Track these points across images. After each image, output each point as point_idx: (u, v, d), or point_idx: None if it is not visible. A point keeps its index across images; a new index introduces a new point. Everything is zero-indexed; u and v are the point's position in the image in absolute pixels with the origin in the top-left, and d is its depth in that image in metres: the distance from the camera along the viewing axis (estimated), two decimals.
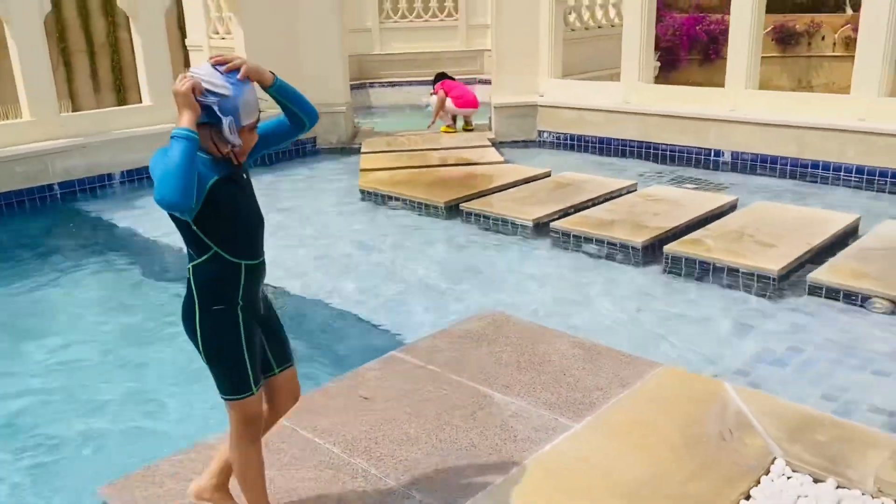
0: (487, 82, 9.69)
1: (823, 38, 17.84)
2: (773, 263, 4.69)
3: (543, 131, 9.06)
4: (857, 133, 6.77)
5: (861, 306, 4.27)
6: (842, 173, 6.86)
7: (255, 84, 2.21)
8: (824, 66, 17.48)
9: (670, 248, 5.10)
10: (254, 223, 2.33)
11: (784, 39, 18.02)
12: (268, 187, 7.46)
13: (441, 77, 9.68)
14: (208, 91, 2.11)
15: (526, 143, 9.04)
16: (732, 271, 4.75)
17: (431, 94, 9.69)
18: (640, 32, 8.38)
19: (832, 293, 4.41)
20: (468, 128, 9.55)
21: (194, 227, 2.18)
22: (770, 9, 8.46)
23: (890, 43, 6.80)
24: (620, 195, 6.48)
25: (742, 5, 7.51)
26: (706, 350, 3.94)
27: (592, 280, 4.97)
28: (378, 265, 5.34)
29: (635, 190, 6.67)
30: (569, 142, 8.85)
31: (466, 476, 2.78)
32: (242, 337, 2.28)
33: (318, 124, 2.61)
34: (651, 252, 5.23)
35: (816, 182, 6.97)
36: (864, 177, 6.73)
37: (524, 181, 7.00)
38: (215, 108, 2.11)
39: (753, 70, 7.72)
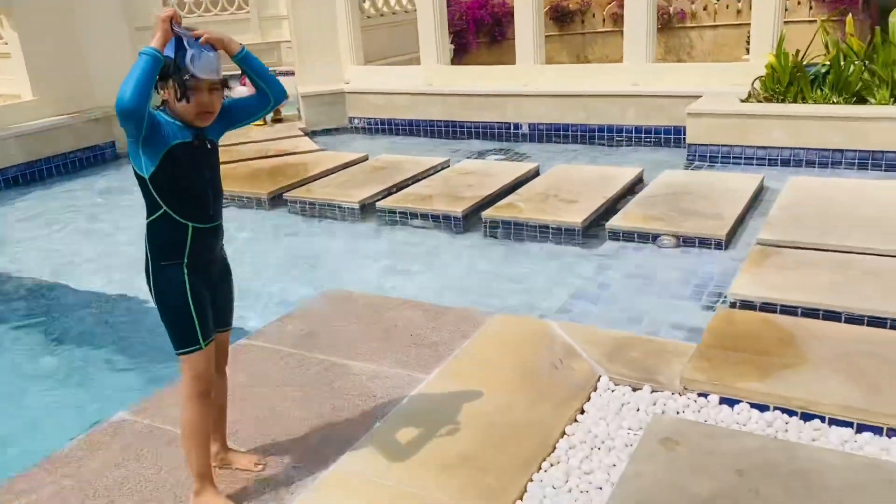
0: (291, 73, 9.71)
1: (594, 15, 19.52)
2: (576, 217, 5.25)
3: (354, 117, 9.25)
4: (632, 97, 7.63)
5: (652, 243, 4.93)
6: (624, 133, 7.71)
7: (223, 53, 2.41)
8: (598, 41, 19.13)
9: (488, 213, 5.52)
10: (207, 191, 2.46)
11: (560, 18, 19.49)
12: (71, 197, 7.03)
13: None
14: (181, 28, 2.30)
15: (338, 130, 9.19)
16: (543, 227, 5.26)
17: (241, 85, 9.52)
18: (434, 16, 8.81)
19: (628, 236, 5.05)
20: (277, 118, 9.52)
21: (149, 185, 2.34)
22: None
23: (651, 16, 7.72)
24: (436, 172, 6.85)
25: None
26: (531, 298, 4.37)
27: (423, 250, 5.28)
28: None
29: (448, 166, 7.07)
30: (379, 126, 9.11)
31: (334, 438, 2.95)
32: (189, 294, 2.42)
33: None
34: (471, 220, 5.63)
35: (604, 143, 7.78)
36: (643, 135, 7.62)
37: (343, 166, 7.17)
38: (184, 40, 2.30)
39: (539, 48, 8.42)
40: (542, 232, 5.25)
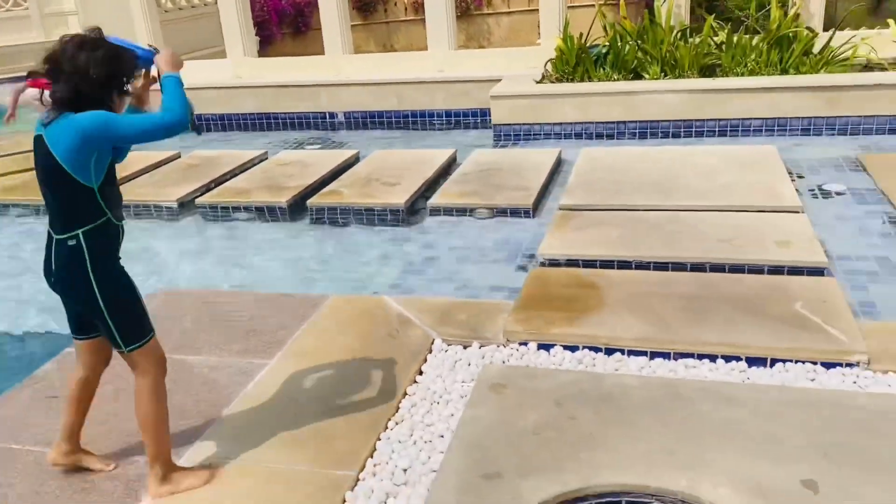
0: None
1: (396, 3, 19.93)
2: (399, 198, 5.52)
3: None
4: (440, 83, 8.03)
5: (470, 217, 5.31)
6: (435, 118, 8.10)
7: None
8: (401, 29, 19.56)
9: (313, 201, 5.65)
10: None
11: (364, 7, 19.69)
12: None
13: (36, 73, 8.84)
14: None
15: None
16: (369, 210, 5.48)
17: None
18: (237, 7, 8.68)
19: (448, 211, 5.40)
20: None
21: (97, 195, 2.42)
22: None
23: (450, 4, 8.14)
24: (254, 165, 6.84)
25: None
26: (364, 277, 4.59)
27: (251, 242, 5.31)
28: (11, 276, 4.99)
29: (266, 158, 7.07)
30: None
31: (184, 431, 3.00)
32: (133, 286, 2.57)
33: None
34: (296, 209, 5.72)
35: (418, 128, 8.12)
36: (452, 118, 8.05)
37: (154, 166, 6.95)
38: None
39: (347, 37, 8.59)
40: (368, 215, 5.47)
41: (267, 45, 16.22)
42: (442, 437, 2.89)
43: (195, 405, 3.17)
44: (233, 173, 6.56)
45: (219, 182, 6.34)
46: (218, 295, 4.28)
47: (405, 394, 3.18)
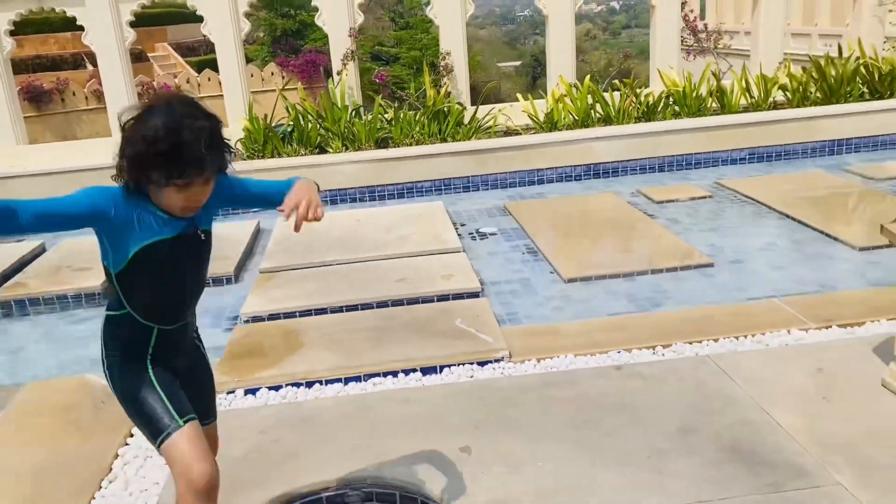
0: None
1: (74, 93, 18.99)
2: (93, 282, 5.50)
3: None
4: None
5: None
6: None
7: None
8: (83, 118, 18.68)
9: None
10: (184, 291, 2.14)
11: (36, 98, 18.49)
12: None
13: None
14: None
15: None
16: (61, 297, 5.37)
17: None
18: None
19: None
20: None
21: (115, 282, 2.06)
22: (15, 70, 9.00)
23: (131, 91, 8.24)
24: None
25: None
26: (65, 361, 4.53)
27: None
28: None
29: None
30: None
31: None
32: (154, 382, 2.12)
33: None
34: None
35: None
36: None
37: None
38: None
39: (20, 126, 8.22)
40: (62, 301, 5.35)
41: None
42: (157, 483, 3.09)
43: None
44: None
45: None
46: None
47: (116, 455, 3.31)
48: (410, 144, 7.92)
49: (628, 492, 2.74)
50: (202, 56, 23.36)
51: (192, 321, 2.26)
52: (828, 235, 5.61)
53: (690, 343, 3.96)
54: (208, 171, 1.91)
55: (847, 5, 11.93)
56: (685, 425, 3.13)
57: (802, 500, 2.63)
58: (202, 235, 2.11)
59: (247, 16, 9.12)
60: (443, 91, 8.41)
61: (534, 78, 31.82)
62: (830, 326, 4.05)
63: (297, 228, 2.11)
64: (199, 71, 20.43)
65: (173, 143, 1.83)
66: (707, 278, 5.03)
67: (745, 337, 3.99)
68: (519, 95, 8.70)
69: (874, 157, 7.87)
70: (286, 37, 23.43)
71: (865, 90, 8.43)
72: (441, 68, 8.81)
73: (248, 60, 17.56)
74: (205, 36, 9.18)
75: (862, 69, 8.44)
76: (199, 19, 9.01)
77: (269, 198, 2.27)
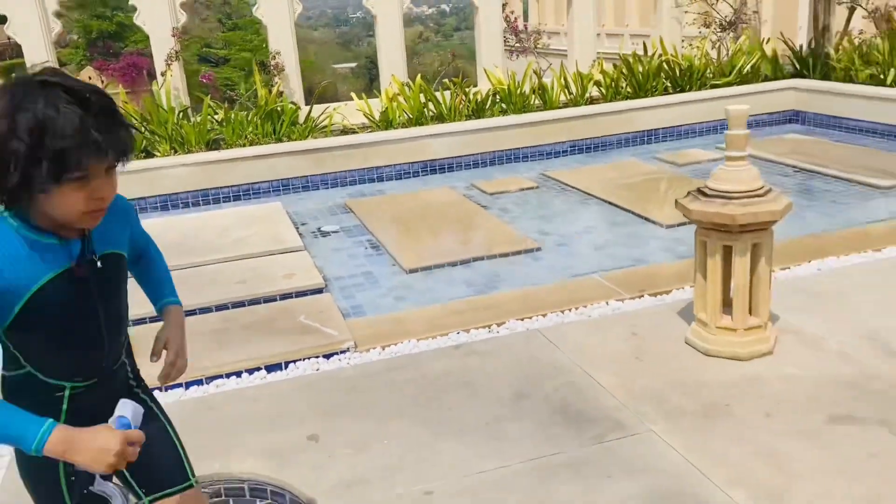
0: None
1: None
2: None
3: None
4: None
5: None
6: None
7: None
8: None
9: None
10: (99, 335, 1.68)
11: None
12: None
13: None
14: None
15: None
16: None
17: None
18: None
19: None
20: None
21: (3, 339, 1.61)
22: None
23: None
24: None
25: None
26: None
27: None
28: None
29: None
30: None
31: None
32: (62, 484, 1.69)
33: None
34: None
35: None
36: None
37: None
38: None
39: None
40: None
41: None
42: None
43: None
44: None
45: None
46: None
47: None
48: (244, 145, 7.79)
49: (469, 458, 2.92)
50: (9, 60, 21.47)
51: (121, 370, 1.81)
52: (641, 216, 6.15)
53: (522, 320, 4.23)
54: (109, 154, 1.48)
55: (652, 8, 13.05)
56: (519, 393, 3.37)
57: (621, 448, 2.93)
58: (99, 262, 1.64)
59: (57, 16, 8.54)
60: (275, 91, 8.33)
61: (371, 79, 31.98)
62: (643, 296, 4.47)
63: (162, 383, 1.93)
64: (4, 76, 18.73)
65: (59, 127, 1.40)
66: (536, 261, 5.37)
67: (570, 310, 4.32)
68: (353, 94, 8.79)
69: (678, 145, 8.69)
70: (103, 39, 22.05)
71: (669, 84, 9.27)
72: (272, 68, 8.71)
73: (62, 64, 16.39)
74: (10, 38, 8.50)
75: (664, 66, 9.29)
76: (2, 20, 8.33)
77: (147, 287, 2.03)
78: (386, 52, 9.11)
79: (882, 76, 8.61)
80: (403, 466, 2.90)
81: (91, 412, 1.63)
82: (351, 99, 8.74)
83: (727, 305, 3.59)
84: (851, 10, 9.83)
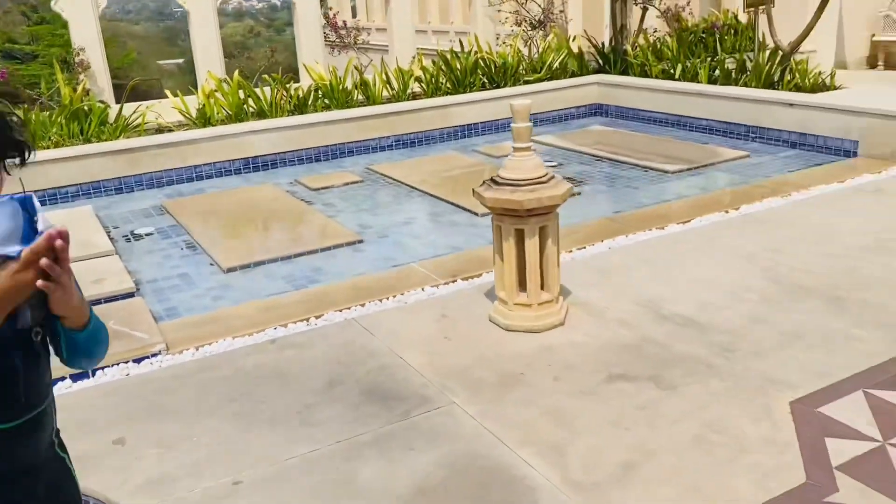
0: None
1: None
2: None
3: None
4: None
5: None
6: None
7: None
8: None
9: None
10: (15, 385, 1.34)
11: None
12: None
13: None
14: None
15: None
16: None
17: None
18: None
19: None
20: None
21: None
22: None
23: None
24: None
25: None
26: None
27: None
28: None
29: None
30: None
31: None
32: None
33: None
34: None
35: None
36: None
37: None
38: None
39: None
40: None
41: None
42: None
43: None
44: None
45: None
46: None
47: None
48: (48, 147, 7.31)
49: (279, 446, 3.00)
50: None
51: (47, 417, 1.45)
52: (459, 206, 6.46)
53: (341, 310, 4.35)
54: None
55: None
56: (332, 380, 3.48)
57: (426, 421, 3.13)
58: None
59: None
60: (80, 89, 7.87)
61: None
62: (456, 280, 4.73)
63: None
64: None
65: None
66: (358, 253, 5.51)
67: (388, 299, 4.49)
68: (168, 92, 8.48)
69: (496, 138, 9.15)
70: None
71: (486, 80, 9.72)
72: (76, 65, 8.22)
73: None
74: None
75: (481, 62, 9.72)
76: None
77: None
78: (201, 48, 8.87)
79: (672, 70, 9.53)
80: (212, 460, 2.93)
81: (8, 462, 1.38)
82: (176, 95, 8.43)
83: (524, 284, 3.90)
84: (644, 11, 10.77)
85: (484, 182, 3.86)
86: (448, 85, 9.43)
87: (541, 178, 3.70)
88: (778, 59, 8.54)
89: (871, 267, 4.47)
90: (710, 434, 2.93)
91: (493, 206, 3.75)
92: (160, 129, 8.07)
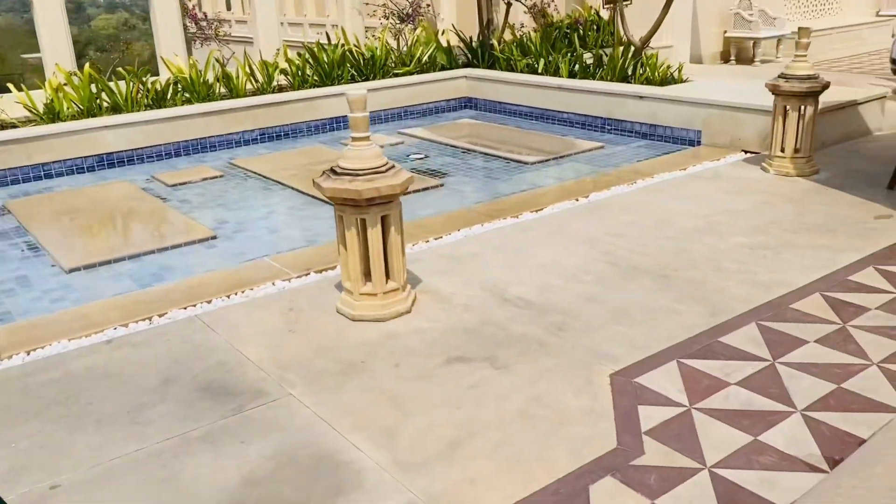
0: None
1: None
2: None
3: None
4: None
5: None
6: None
7: None
8: None
9: None
10: None
11: None
12: None
13: None
14: None
15: None
16: None
17: None
18: None
19: None
20: None
21: None
22: None
23: None
24: None
25: None
26: None
27: None
28: None
29: None
30: None
31: None
32: None
33: None
34: None
35: None
36: None
37: None
38: None
39: None
40: None
41: None
42: None
43: None
44: None
45: None
46: None
47: None
48: None
49: (104, 446, 2.91)
50: None
51: None
52: (320, 199, 6.42)
53: (185, 308, 4.24)
54: None
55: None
56: (167, 378, 3.40)
57: (260, 414, 3.11)
58: None
59: None
60: None
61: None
62: (309, 273, 4.71)
63: None
64: None
65: None
66: (210, 249, 5.38)
67: (236, 294, 4.42)
68: (10, 85, 7.97)
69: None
70: None
71: (355, 73, 9.69)
72: None
73: None
74: None
75: (349, 55, 9.68)
76: None
77: None
78: (48, 40, 8.39)
79: (535, 65, 9.83)
80: (31, 465, 2.81)
81: None
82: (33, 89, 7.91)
83: (370, 274, 3.94)
84: (508, 6, 11.04)
85: (324, 172, 3.87)
86: (315, 78, 9.34)
87: (379, 167, 3.75)
88: (630, 53, 8.98)
89: (699, 247, 4.80)
90: (535, 408, 3.08)
91: (332, 195, 3.77)
92: (3, 126, 7.58)
